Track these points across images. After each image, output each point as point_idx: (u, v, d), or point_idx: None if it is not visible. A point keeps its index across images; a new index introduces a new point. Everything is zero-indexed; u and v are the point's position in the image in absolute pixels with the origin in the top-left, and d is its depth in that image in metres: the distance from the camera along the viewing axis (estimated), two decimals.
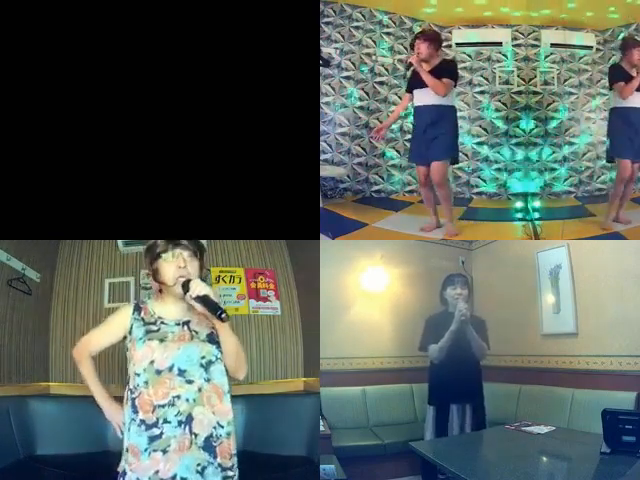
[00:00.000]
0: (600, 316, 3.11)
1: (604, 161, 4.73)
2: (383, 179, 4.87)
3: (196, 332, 1.54)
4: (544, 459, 2.21)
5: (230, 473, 1.53)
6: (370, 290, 3.95)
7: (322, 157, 4.50)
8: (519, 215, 3.83)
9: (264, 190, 2.41)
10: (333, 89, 4.66)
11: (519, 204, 4.03)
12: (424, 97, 3.22)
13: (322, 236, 2.87)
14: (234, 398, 3.19)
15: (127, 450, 1.47)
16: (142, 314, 1.58)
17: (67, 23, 2.30)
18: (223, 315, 1.40)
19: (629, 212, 3.69)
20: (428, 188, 3.41)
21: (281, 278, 3.91)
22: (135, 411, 1.46)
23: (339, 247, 3.65)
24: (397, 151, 4.84)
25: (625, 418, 2.00)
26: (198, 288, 1.44)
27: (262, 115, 2.39)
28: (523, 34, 4.76)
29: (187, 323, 1.56)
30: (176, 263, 1.54)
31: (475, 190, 4.91)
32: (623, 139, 3.27)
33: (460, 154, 4.89)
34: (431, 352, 2.82)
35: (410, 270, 4.04)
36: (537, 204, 4.03)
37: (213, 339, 1.54)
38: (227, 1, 2.37)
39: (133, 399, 1.47)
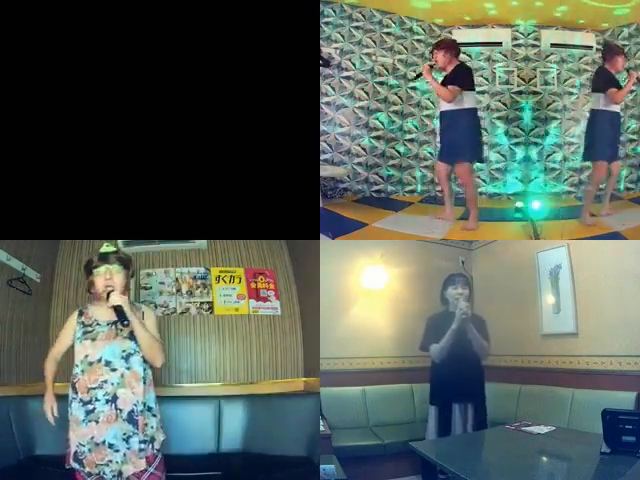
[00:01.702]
0: (600, 316, 3.11)
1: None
2: (383, 179, 4.87)
3: (121, 330, 1.94)
4: (544, 459, 2.22)
5: (144, 445, 1.90)
6: (370, 290, 3.95)
7: (322, 157, 4.50)
8: (519, 215, 3.82)
9: (264, 190, 2.41)
10: (333, 89, 4.66)
11: (519, 204, 4.03)
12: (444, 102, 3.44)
13: (322, 236, 2.88)
14: (234, 397, 3.21)
15: (70, 422, 1.91)
16: (83, 318, 2.00)
17: (67, 23, 2.30)
18: (125, 322, 1.87)
19: (628, 212, 3.70)
20: (445, 182, 3.64)
21: (281, 278, 3.91)
22: (75, 392, 1.91)
23: (339, 247, 3.65)
24: (397, 151, 4.86)
25: (625, 418, 2.00)
26: (113, 299, 1.89)
27: (262, 115, 2.39)
28: (523, 34, 4.77)
29: (115, 323, 1.94)
30: (104, 276, 1.95)
31: None
32: (602, 141, 3.36)
33: None
34: (432, 351, 2.82)
35: (410, 270, 4.04)
36: (537, 204, 4.03)
37: (134, 336, 1.94)
38: (227, 1, 2.37)
39: (74, 383, 1.92)
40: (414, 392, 3.87)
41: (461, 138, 3.41)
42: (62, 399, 1.99)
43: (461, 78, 3.35)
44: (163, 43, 2.34)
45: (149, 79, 2.35)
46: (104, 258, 1.97)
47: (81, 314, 2.02)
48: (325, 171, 4.36)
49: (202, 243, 3.81)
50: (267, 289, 3.85)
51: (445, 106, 3.43)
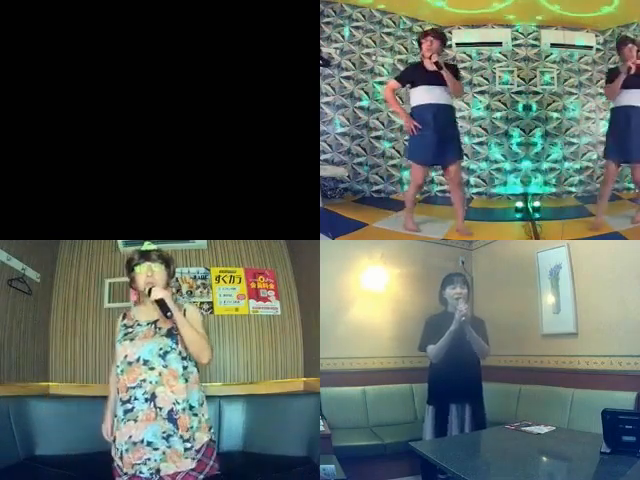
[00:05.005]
0: (600, 316, 3.11)
1: (604, 161, 4.75)
2: (383, 179, 4.87)
3: (159, 329, 1.94)
4: (544, 459, 2.21)
5: (188, 445, 1.88)
6: (370, 290, 3.94)
7: (322, 157, 4.50)
8: (519, 215, 3.83)
9: (264, 190, 2.41)
10: (333, 89, 4.66)
11: (519, 204, 4.04)
12: None
13: (322, 236, 2.88)
14: (234, 397, 3.21)
15: (115, 421, 1.93)
16: (126, 320, 2.01)
17: (67, 23, 2.30)
18: (168, 314, 1.84)
19: (628, 212, 3.70)
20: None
21: (281, 278, 3.91)
22: (117, 392, 1.92)
23: (339, 247, 3.65)
24: (397, 151, 4.85)
25: (625, 418, 2.00)
26: (155, 293, 1.87)
27: (262, 115, 2.39)
28: (523, 34, 4.77)
29: (155, 322, 1.95)
30: (145, 273, 1.95)
31: (475, 190, 4.91)
32: (611, 140, 3.34)
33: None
34: (429, 352, 2.82)
35: (410, 270, 4.04)
36: (537, 204, 4.04)
37: (171, 333, 1.93)
38: (227, 1, 2.37)
39: (116, 383, 1.94)
40: (414, 392, 3.87)
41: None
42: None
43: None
44: (163, 43, 2.34)
45: (149, 79, 2.35)
46: (145, 255, 1.98)
47: (124, 317, 2.03)
48: (325, 171, 4.36)
49: (202, 243, 3.81)
50: (267, 289, 3.85)
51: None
